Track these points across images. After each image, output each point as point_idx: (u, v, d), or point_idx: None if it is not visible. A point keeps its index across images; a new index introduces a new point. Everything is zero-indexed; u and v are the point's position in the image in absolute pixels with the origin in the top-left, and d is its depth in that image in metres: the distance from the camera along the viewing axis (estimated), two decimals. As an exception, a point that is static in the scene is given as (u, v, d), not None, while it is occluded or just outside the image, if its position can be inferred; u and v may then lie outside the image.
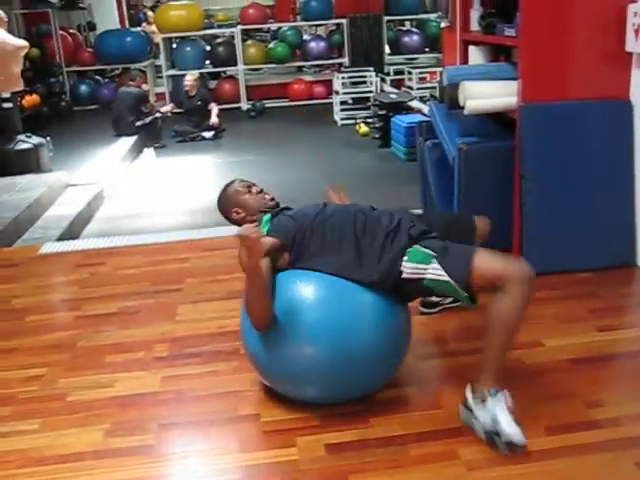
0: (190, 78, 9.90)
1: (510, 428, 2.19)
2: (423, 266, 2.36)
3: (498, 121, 3.94)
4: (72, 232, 5.48)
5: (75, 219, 5.70)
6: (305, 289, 2.44)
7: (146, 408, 2.66)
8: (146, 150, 9.03)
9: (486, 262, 2.31)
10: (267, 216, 2.70)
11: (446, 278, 2.31)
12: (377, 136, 8.57)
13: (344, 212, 2.59)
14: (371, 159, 7.97)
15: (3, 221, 5.09)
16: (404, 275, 2.39)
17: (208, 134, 9.68)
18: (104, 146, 8.58)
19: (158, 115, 9.48)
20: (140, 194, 6.98)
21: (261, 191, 2.82)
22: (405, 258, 2.40)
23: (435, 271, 2.34)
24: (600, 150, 3.63)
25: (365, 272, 2.42)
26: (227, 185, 2.87)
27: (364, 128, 9.15)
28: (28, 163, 6.88)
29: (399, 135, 7.79)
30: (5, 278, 4.18)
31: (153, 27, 13.08)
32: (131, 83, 9.74)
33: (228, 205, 2.80)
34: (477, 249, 2.40)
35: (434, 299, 3.20)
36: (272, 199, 2.80)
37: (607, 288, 3.47)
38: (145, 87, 9.99)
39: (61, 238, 5.13)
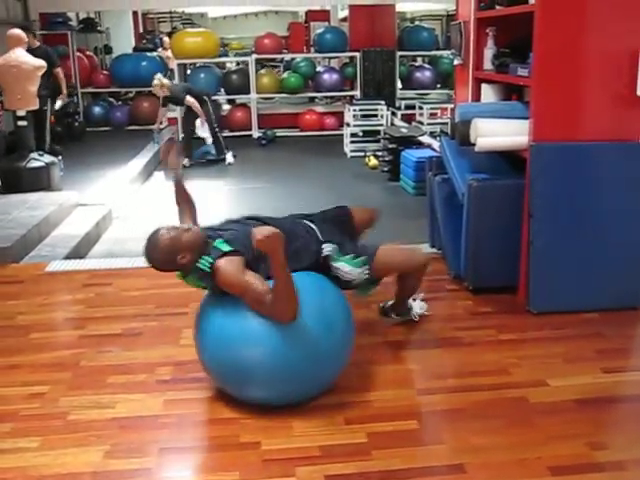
0: (155, 83, 9.44)
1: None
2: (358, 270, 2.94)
3: (509, 159, 3.96)
4: (79, 252, 5.49)
5: (83, 239, 5.72)
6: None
7: (146, 431, 2.65)
8: (156, 173, 9.09)
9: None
10: (218, 240, 2.70)
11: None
12: (386, 169, 8.60)
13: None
14: (380, 192, 8.00)
15: (11, 237, 5.11)
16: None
17: (230, 158, 9.76)
18: (115, 167, 8.63)
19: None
20: (149, 217, 7.00)
21: (189, 228, 2.77)
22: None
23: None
24: (609, 192, 3.64)
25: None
26: (156, 237, 2.69)
27: (373, 161, 9.20)
28: (39, 181, 6.93)
29: (408, 169, 7.82)
30: (11, 294, 4.18)
31: (169, 52, 13.23)
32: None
33: (172, 253, 2.66)
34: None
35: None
36: (200, 232, 2.77)
37: (613, 329, 3.46)
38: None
39: (68, 257, 5.14)
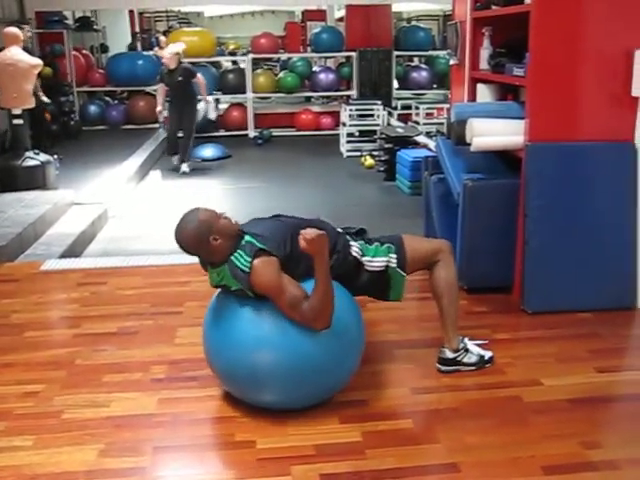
0: (169, 51, 9.15)
1: (488, 353, 3.09)
2: (385, 258, 2.88)
3: (504, 159, 3.97)
4: (74, 250, 5.49)
5: (78, 238, 5.72)
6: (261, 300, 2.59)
7: (141, 429, 2.65)
8: (152, 172, 9.08)
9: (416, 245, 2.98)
10: (248, 236, 2.61)
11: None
12: (382, 169, 8.62)
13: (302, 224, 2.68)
14: (376, 192, 8.02)
15: (7, 236, 5.10)
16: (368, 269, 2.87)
17: (185, 168, 9.16)
18: (110, 166, 8.63)
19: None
20: (144, 216, 7.00)
21: (224, 215, 2.69)
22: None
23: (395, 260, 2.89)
24: (604, 193, 3.65)
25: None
26: (192, 215, 2.65)
27: (369, 161, 9.21)
28: (35, 180, 6.93)
29: (404, 169, 7.84)
30: (5, 293, 4.17)
31: (165, 52, 13.22)
32: None
33: (204, 233, 2.58)
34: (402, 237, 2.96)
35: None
36: (235, 222, 2.70)
37: (607, 329, 3.47)
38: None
39: (63, 256, 5.14)
